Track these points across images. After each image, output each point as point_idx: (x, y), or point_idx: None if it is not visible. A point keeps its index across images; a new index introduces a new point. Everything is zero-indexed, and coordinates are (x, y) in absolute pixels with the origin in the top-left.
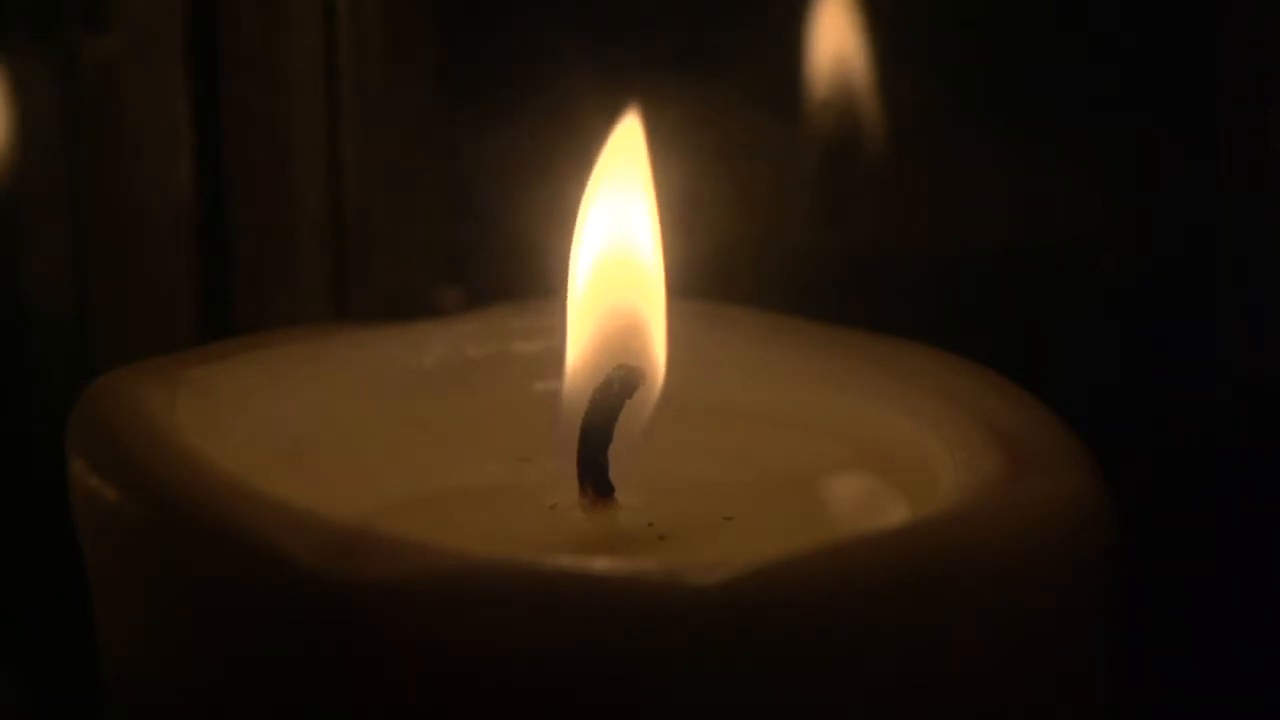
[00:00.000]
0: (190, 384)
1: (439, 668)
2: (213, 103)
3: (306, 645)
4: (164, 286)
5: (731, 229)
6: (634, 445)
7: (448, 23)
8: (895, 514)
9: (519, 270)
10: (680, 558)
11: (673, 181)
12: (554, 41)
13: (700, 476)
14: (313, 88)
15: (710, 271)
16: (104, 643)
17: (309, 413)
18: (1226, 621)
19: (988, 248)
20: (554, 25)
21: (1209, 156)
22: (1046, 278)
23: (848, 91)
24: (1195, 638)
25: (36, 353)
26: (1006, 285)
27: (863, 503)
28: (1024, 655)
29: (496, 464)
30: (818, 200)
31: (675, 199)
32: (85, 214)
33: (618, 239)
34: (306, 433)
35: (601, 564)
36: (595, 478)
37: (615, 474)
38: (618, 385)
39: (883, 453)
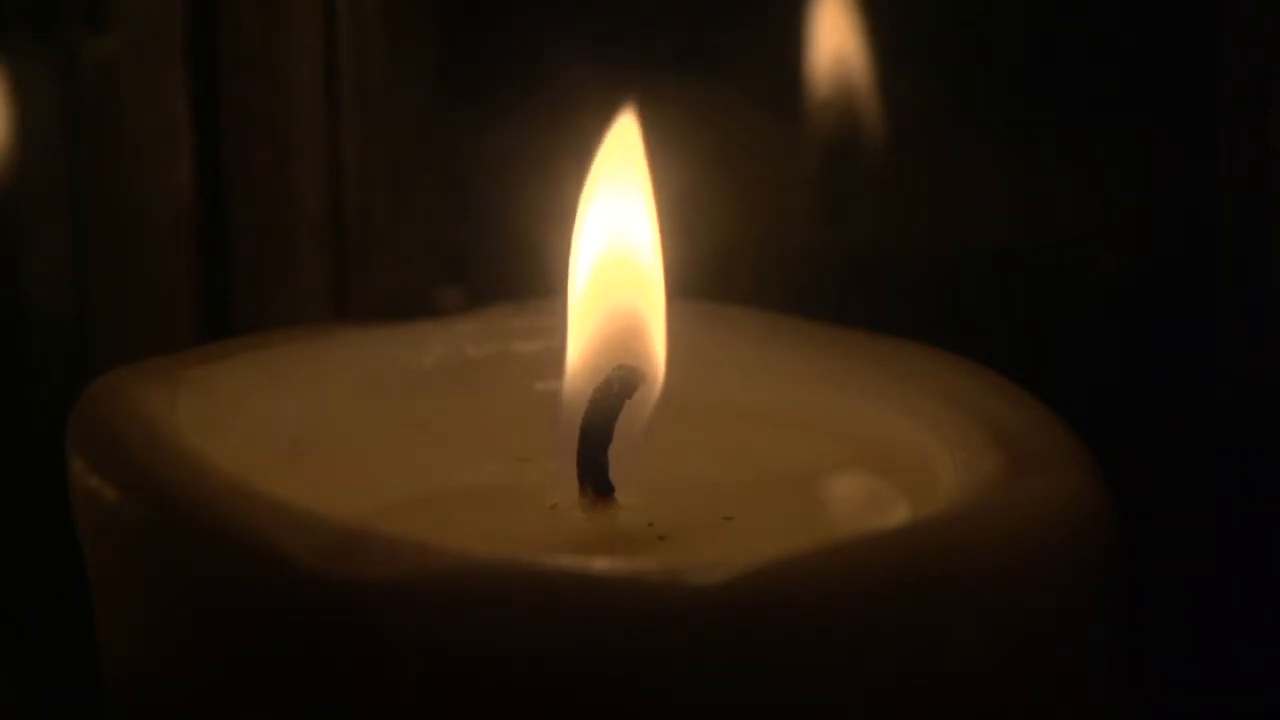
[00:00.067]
0: (190, 384)
1: (439, 668)
2: (213, 103)
3: (306, 645)
4: (164, 286)
5: (731, 229)
6: (634, 445)
7: (448, 23)
8: (895, 514)
9: (519, 270)
10: (680, 558)
11: (672, 181)
12: (554, 41)
13: (700, 476)
14: (313, 88)
15: (710, 271)
16: (104, 643)
17: (309, 413)
18: (1226, 621)
19: (988, 248)
20: (554, 25)
21: (1209, 156)
22: (1046, 278)
23: (848, 91)
24: (1195, 638)
25: (36, 353)
26: (1006, 285)
27: (863, 503)
28: (1024, 655)
29: (496, 464)
30: (818, 200)
31: (675, 199)
32: (85, 214)
33: (618, 239)
34: (306, 433)
35: (601, 564)
36: (595, 478)
37: (615, 474)
38: (618, 385)
39: (883, 453)
